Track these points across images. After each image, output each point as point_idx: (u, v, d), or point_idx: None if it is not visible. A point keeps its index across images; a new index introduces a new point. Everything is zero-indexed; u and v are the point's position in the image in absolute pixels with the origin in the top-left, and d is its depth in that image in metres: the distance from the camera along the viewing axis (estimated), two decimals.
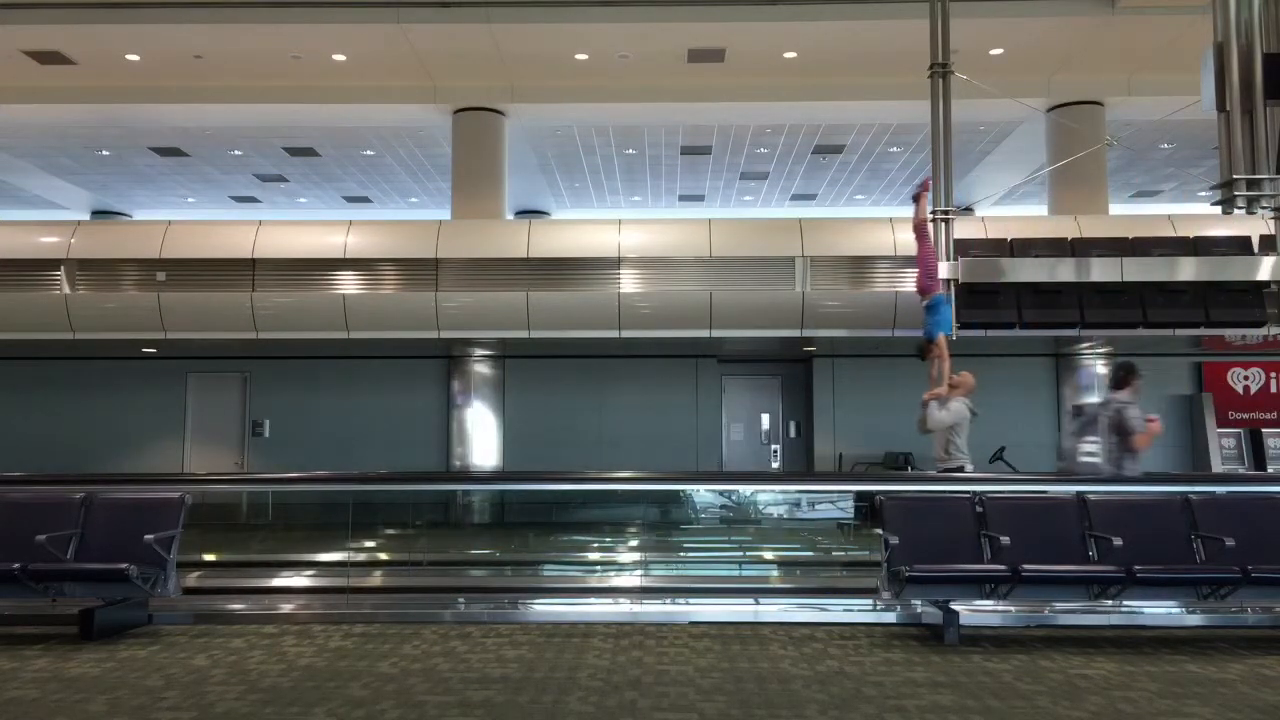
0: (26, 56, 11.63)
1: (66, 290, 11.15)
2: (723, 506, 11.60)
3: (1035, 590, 5.64)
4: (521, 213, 17.17)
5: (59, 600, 5.59)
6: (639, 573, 7.69)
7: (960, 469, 7.60)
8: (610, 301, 11.02)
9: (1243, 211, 6.22)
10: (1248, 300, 9.82)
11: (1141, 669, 4.78)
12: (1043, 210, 13.44)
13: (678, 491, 10.50)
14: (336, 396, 13.44)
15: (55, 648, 5.22)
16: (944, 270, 8.42)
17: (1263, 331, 10.14)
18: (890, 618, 5.86)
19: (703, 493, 11.13)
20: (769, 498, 11.35)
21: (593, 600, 6.55)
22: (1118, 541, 5.40)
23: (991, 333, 10.27)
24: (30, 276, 11.18)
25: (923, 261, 8.17)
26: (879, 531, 5.78)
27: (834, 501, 11.18)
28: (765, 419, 14.32)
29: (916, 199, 8.47)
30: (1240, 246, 10.08)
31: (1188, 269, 9.67)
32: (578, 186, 16.71)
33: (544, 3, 10.87)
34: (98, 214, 17.67)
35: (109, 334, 11.34)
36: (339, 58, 11.84)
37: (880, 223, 11.57)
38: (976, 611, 5.72)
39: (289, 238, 11.56)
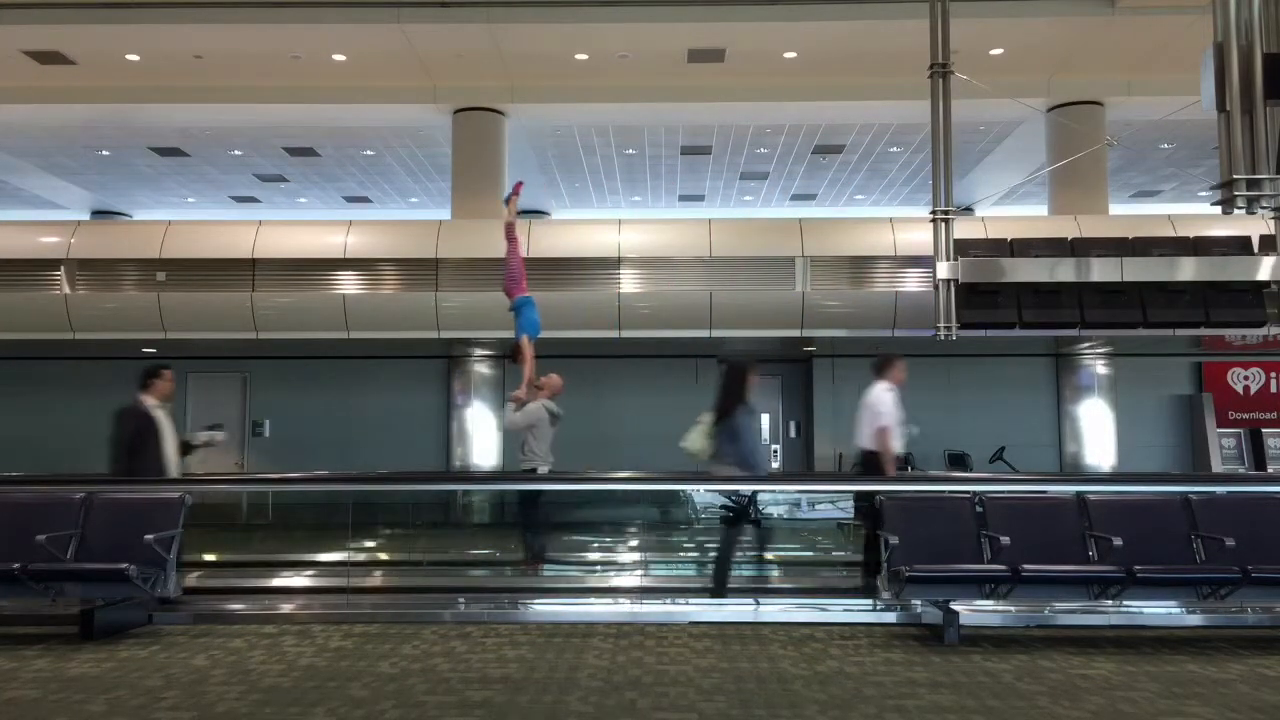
0: (26, 56, 11.63)
1: (66, 290, 11.15)
2: (723, 506, 11.58)
3: (1035, 590, 5.64)
4: (521, 213, 17.10)
5: (59, 600, 5.59)
6: (639, 573, 7.68)
7: (534, 470, 7.67)
8: (610, 301, 11.01)
9: (1243, 211, 6.22)
10: (1248, 300, 9.83)
11: (1141, 669, 4.77)
12: (1043, 210, 13.44)
13: (678, 491, 10.48)
14: (336, 396, 13.43)
15: (55, 648, 5.22)
16: (944, 270, 8.42)
17: (1263, 331, 10.14)
18: (890, 618, 5.86)
19: (703, 493, 11.12)
20: (769, 498, 11.34)
21: (593, 600, 6.56)
22: (1118, 541, 5.39)
23: (991, 333, 10.27)
24: (30, 276, 11.18)
25: (509, 265, 8.04)
26: (880, 531, 5.78)
27: (834, 501, 11.17)
28: (765, 419, 14.31)
29: (508, 201, 8.32)
30: (1240, 246, 10.08)
31: (1188, 269, 9.68)
32: (578, 186, 16.71)
33: (544, 3, 10.87)
34: (98, 214, 17.66)
35: (109, 334, 11.34)
36: (339, 58, 11.84)
37: (880, 223, 11.58)
38: (976, 611, 5.72)
39: (289, 238, 11.56)
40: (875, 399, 7.21)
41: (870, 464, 7.18)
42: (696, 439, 7.16)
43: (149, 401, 6.98)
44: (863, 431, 7.23)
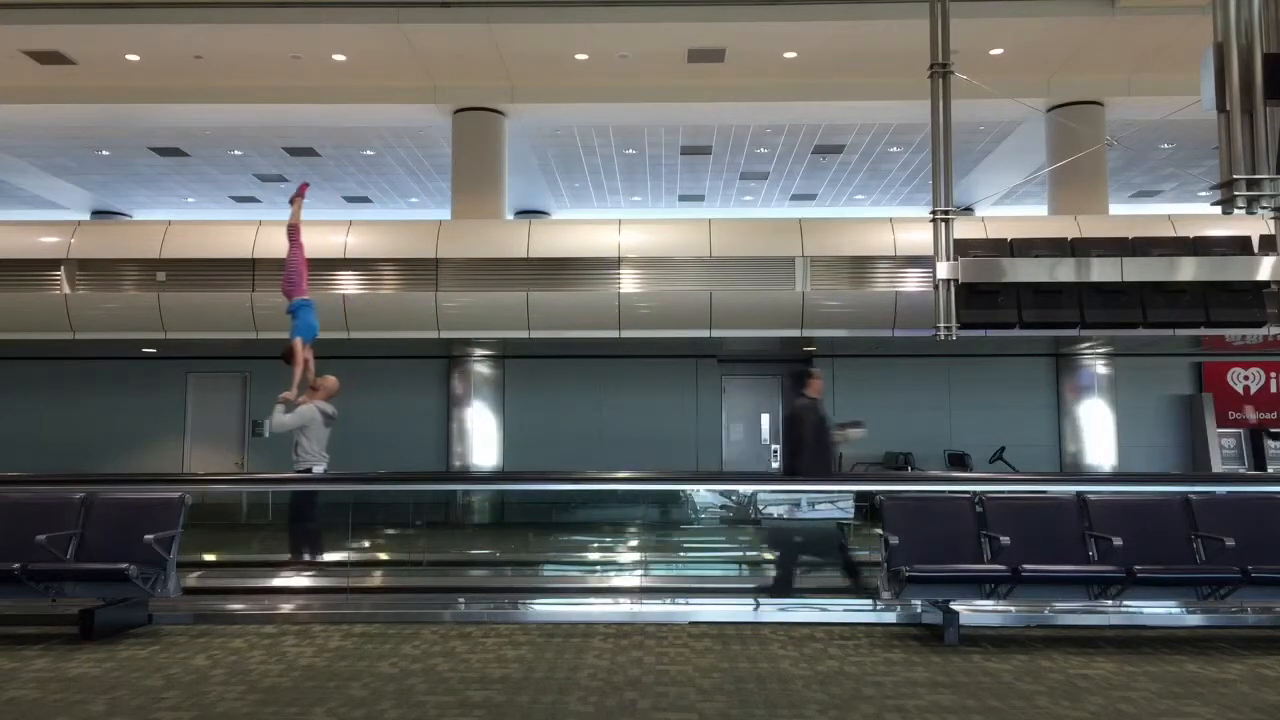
0: (26, 56, 11.63)
1: (66, 290, 11.15)
2: (723, 506, 11.59)
3: (1035, 590, 5.64)
4: (521, 213, 17.16)
5: (59, 600, 5.59)
6: (639, 573, 7.68)
7: (309, 470, 7.72)
8: (610, 301, 11.01)
9: (1243, 211, 6.21)
10: (1248, 300, 9.82)
11: (1141, 669, 4.78)
12: (1043, 210, 13.44)
13: (678, 491, 10.47)
14: (337, 396, 13.41)
15: (55, 648, 5.22)
16: (944, 270, 8.41)
17: (1263, 331, 10.13)
18: (890, 618, 5.86)
19: (703, 493, 11.11)
20: (769, 498, 11.33)
21: (593, 600, 6.56)
22: (1118, 541, 5.40)
23: (991, 333, 10.26)
24: (30, 276, 11.17)
25: (288, 266, 8.03)
26: (879, 531, 5.78)
27: (834, 501, 11.17)
28: (765, 419, 14.31)
29: (292, 201, 8.32)
30: (1240, 246, 10.07)
31: (1188, 269, 9.66)
32: (578, 186, 16.71)
33: (544, 3, 10.87)
34: (98, 214, 17.66)
35: (109, 334, 11.33)
36: (339, 58, 11.83)
37: (880, 223, 11.57)
38: (976, 611, 5.72)
39: None
40: None
41: None
42: None
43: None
44: None
